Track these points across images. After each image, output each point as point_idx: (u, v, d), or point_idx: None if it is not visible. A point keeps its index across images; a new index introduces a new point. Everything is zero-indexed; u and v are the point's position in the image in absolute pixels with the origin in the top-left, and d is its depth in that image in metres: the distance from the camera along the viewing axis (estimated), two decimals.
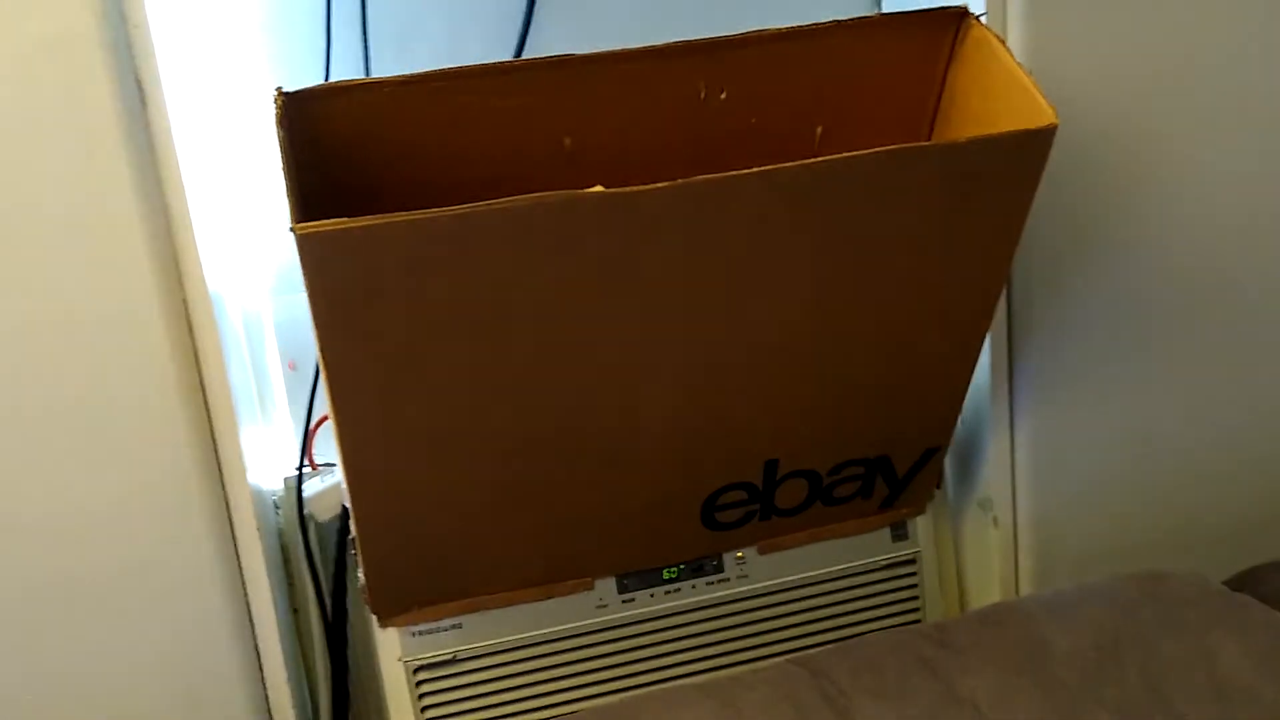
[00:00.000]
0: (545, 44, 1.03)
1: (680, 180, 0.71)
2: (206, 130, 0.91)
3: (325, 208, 0.83)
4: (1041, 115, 0.77)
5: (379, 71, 1.01)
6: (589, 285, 0.75)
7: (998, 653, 0.78)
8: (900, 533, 1.09)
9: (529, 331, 0.77)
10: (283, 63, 1.00)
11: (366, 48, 0.99)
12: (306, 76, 1.00)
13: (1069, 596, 0.85)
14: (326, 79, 0.99)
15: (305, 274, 0.68)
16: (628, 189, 0.70)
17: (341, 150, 0.81)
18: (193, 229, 0.83)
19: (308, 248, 0.67)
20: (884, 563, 1.08)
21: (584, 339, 0.79)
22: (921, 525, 1.09)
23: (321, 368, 0.75)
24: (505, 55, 1.03)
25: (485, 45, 1.03)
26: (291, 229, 0.66)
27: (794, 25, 0.84)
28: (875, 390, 0.94)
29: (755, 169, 0.72)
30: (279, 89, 0.75)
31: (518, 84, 0.82)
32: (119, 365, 0.83)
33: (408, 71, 1.00)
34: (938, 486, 1.08)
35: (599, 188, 0.69)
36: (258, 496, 0.96)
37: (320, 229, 0.66)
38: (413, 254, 0.69)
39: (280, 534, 1.05)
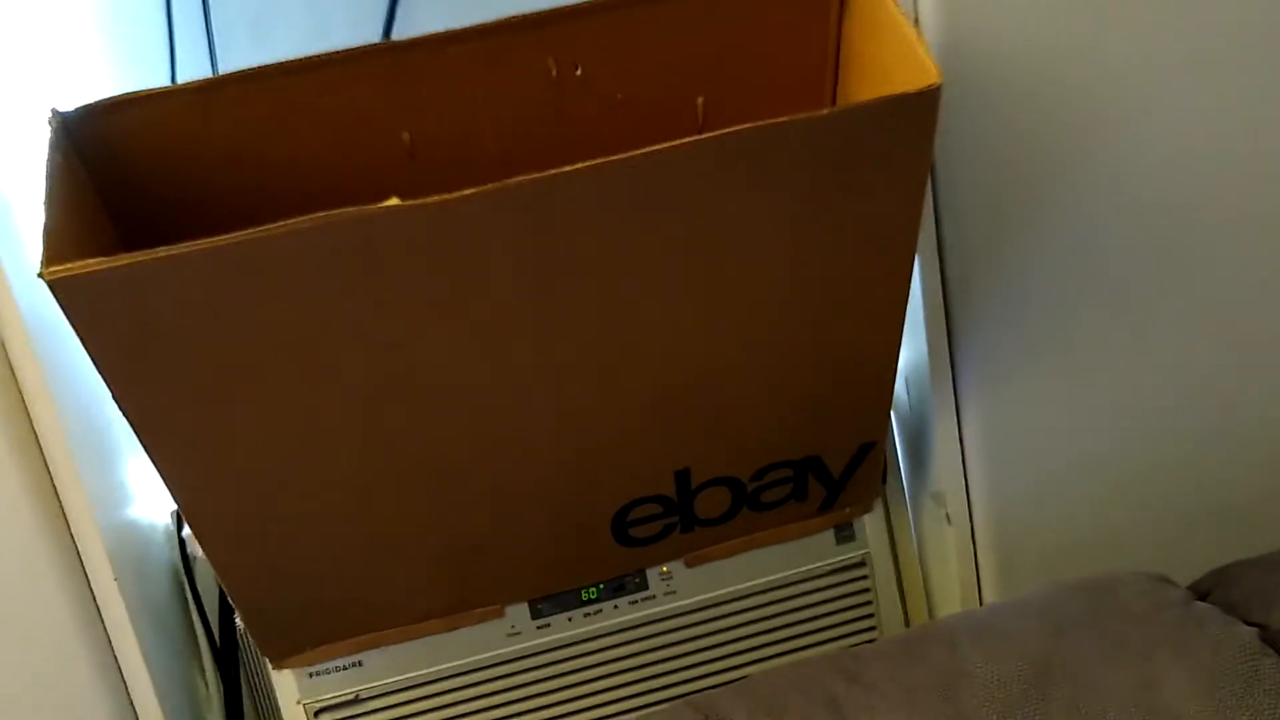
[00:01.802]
0: (417, 21, 0.95)
1: (497, 184, 0.63)
2: (22, 150, 0.84)
3: (144, 232, 0.76)
4: (924, 74, 0.68)
5: (231, 64, 0.93)
6: (413, 308, 0.68)
7: (912, 689, 0.70)
8: (845, 534, 1.01)
9: (353, 361, 0.70)
10: (123, 62, 0.93)
11: (211, 39, 0.92)
12: (152, 77, 0.93)
13: (1002, 614, 0.77)
14: (173, 80, 0.92)
15: (70, 322, 0.62)
16: (429, 200, 0.62)
17: (152, 165, 0.74)
18: (2, 270, 0.76)
19: (64, 294, 0.60)
20: (829, 568, 1.00)
21: (422, 367, 0.71)
22: (870, 524, 1.01)
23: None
24: (374, 38, 0.95)
25: (352, 28, 0.96)
26: (40, 274, 0.59)
27: None
28: (789, 388, 0.86)
29: (588, 163, 0.64)
30: (52, 110, 0.68)
31: (341, 77, 0.74)
32: None
33: (264, 63, 0.94)
34: (884, 481, 1.00)
35: (394, 200, 0.62)
36: (126, 538, 0.90)
37: (73, 271, 0.59)
38: (191, 290, 0.62)
39: (174, 571, 0.99)
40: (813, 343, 0.83)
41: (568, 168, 0.64)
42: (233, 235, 0.60)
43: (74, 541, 0.85)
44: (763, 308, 0.79)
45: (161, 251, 0.59)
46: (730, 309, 0.78)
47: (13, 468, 0.81)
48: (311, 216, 0.61)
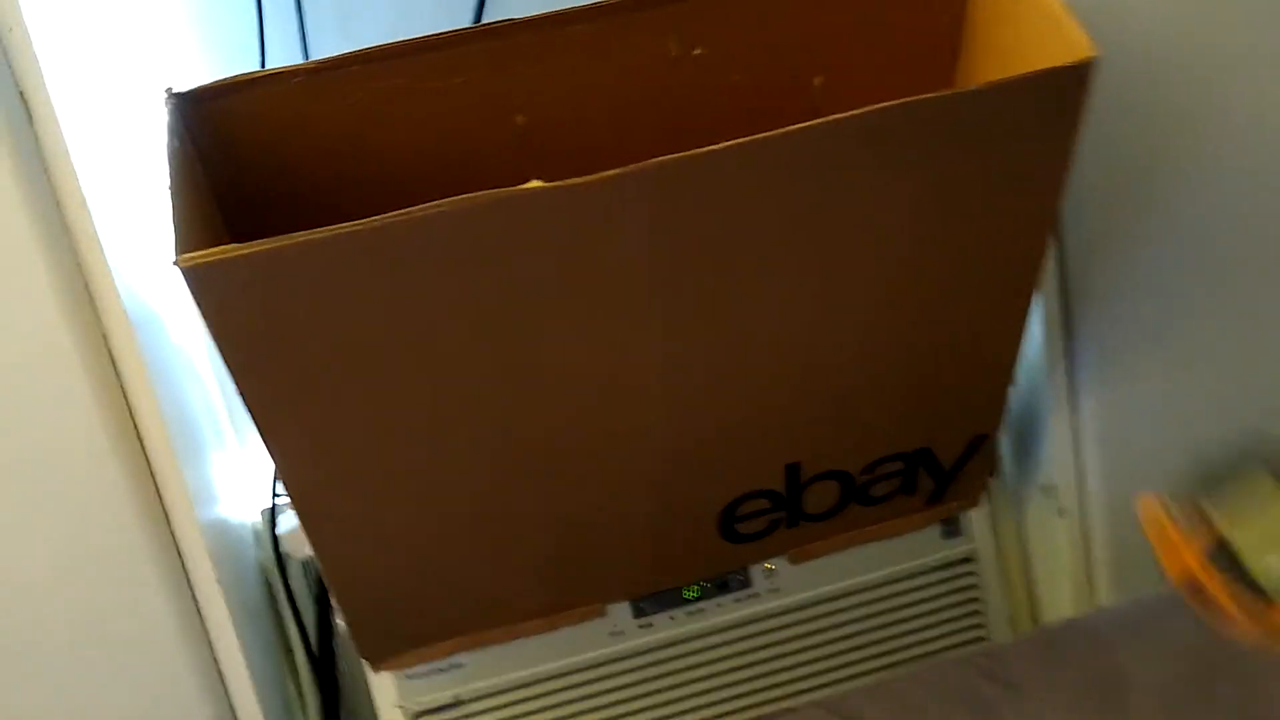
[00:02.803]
0: (507, 9, 0.94)
1: (635, 166, 0.61)
2: (120, 136, 0.83)
3: (247, 215, 0.75)
4: (1076, 48, 0.65)
5: (320, 53, 0.92)
6: (542, 293, 0.66)
7: (1065, 691, 0.68)
8: (952, 529, 0.99)
9: (478, 350, 0.68)
10: (213, 52, 0.92)
11: (303, 29, 0.90)
12: (241, 67, 0.91)
13: (1150, 611, 0.74)
14: (263, 68, 0.91)
15: (200, 311, 0.60)
16: (574, 181, 0.60)
17: (259, 149, 0.73)
18: (102, 250, 0.75)
19: (197, 282, 0.58)
20: (935, 564, 0.98)
21: (545, 353, 0.70)
22: (976, 519, 0.99)
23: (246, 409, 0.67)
24: (463, 23, 0.93)
25: (438, 17, 0.94)
26: (175, 262, 0.57)
27: None
28: (905, 379, 0.84)
29: (726, 144, 0.62)
30: (168, 90, 0.67)
31: (455, 60, 0.72)
32: (33, 410, 0.77)
33: (353, 46, 0.93)
34: (992, 475, 0.98)
35: (536, 182, 0.60)
36: (220, 536, 0.89)
37: (208, 259, 0.57)
38: (324, 277, 0.61)
39: (264, 571, 0.98)
40: (932, 331, 0.81)
41: (701, 150, 0.62)
42: (368, 221, 0.58)
43: (175, 539, 0.84)
44: (883, 294, 0.77)
45: (299, 237, 0.58)
46: (850, 295, 0.76)
47: (114, 461, 0.80)
48: (447, 200, 0.59)
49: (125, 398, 0.80)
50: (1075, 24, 0.67)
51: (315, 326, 0.63)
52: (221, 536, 0.91)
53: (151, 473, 0.82)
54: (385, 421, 0.70)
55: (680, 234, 0.67)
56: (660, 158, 0.61)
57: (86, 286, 0.76)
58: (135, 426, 0.80)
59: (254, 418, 0.67)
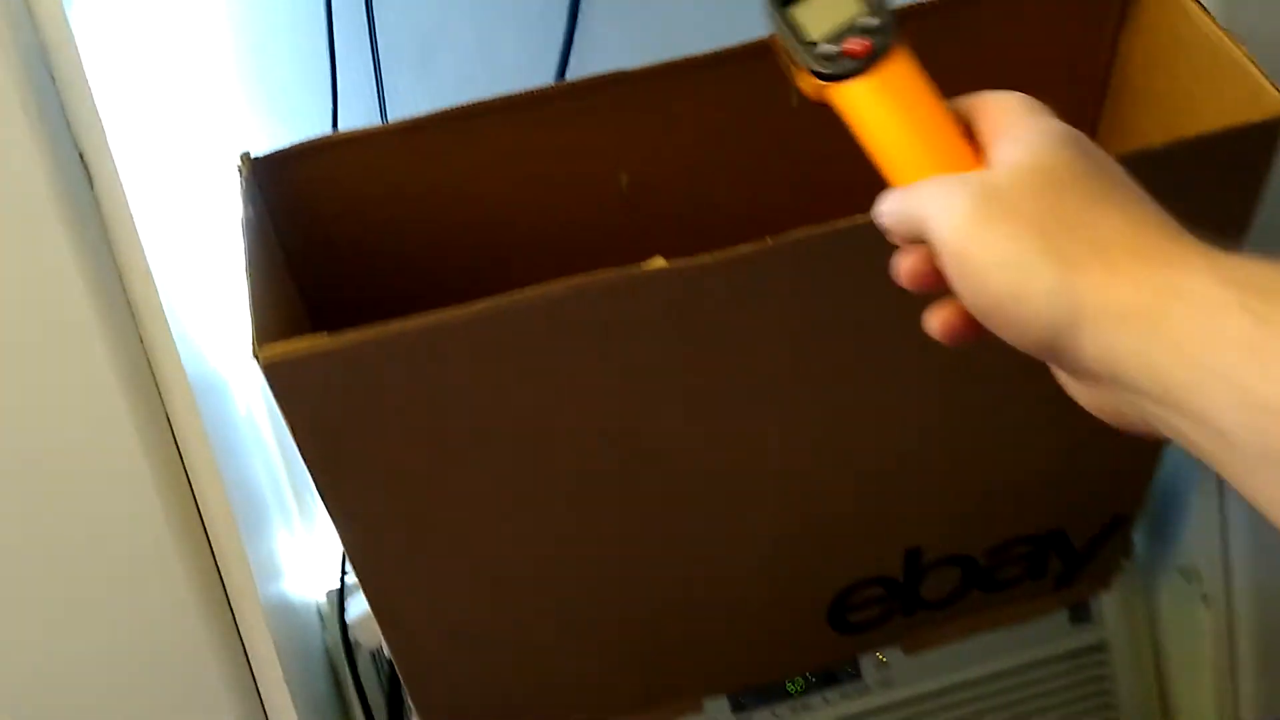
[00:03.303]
0: (596, 40, 0.88)
1: (771, 241, 0.54)
2: (185, 200, 0.77)
3: (326, 286, 0.69)
4: (1264, 101, 0.58)
5: (396, 89, 0.86)
6: (653, 376, 0.60)
7: None
8: (1081, 614, 0.91)
9: (580, 438, 0.62)
10: (280, 93, 0.86)
11: (378, 65, 0.85)
12: (312, 104, 0.86)
13: None
14: (335, 107, 0.85)
15: (279, 405, 0.54)
16: (699, 260, 0.54)
17: (339, 215, 0.67)
18: (166, 322, 0.69)
19: (277, 377, 0.52)
20: (1063, 652, 0.90)
21: (652, 438, 0.63)
22: (1108, 604, 0.91)
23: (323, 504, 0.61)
24: (548, 57, 0.87)
25: (523, 48, 0.88)
26: (254, 355, 0.51)
27: (908, 2, 0.67)
28: (1042, 459, 0.76)
29: (862, 218, 0.55)
30: (243, 155, 0.61)
31: (553, 116, 0.66)
32: (89, 485, 0.71)
33: (429, 86, 0.87)
34: (1126, 556, 0.90)
35: (660, 261, 0.54)
36: (285, 619, 0.83)
37: (290, 353, 0.51)
38: (413, 368, 0.54)
39: (330, 656, 0.92)
40: (1072, 406, 0.74)
41: (838, 224, 0.55)
42: (467, 307, 0.52)
43: (236, 622, 0.78)
44: (1021, 366, 0.69)
45: (388, 327, 0.52)
46: (988, 370, 0.68)
47: (173, 538, 0.74)
48: (559, 283, 0.53)
49: (186, 472, 0.74)
50: (1258, 73, 0.59)
51: (402, 419, 0.57)
52: (286, 619, 0.85)
53: (212, 550, 0.76)
54: (475, 515, 0.64)
55: (810, 312, 0.60)
56: (794, 233, 0.54)
57: (148, 360, 0.70)
58: (196, 501, 0.74)
59: (331, 513, 0.61)
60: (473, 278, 0.70)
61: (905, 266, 0.37)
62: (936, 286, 0.37)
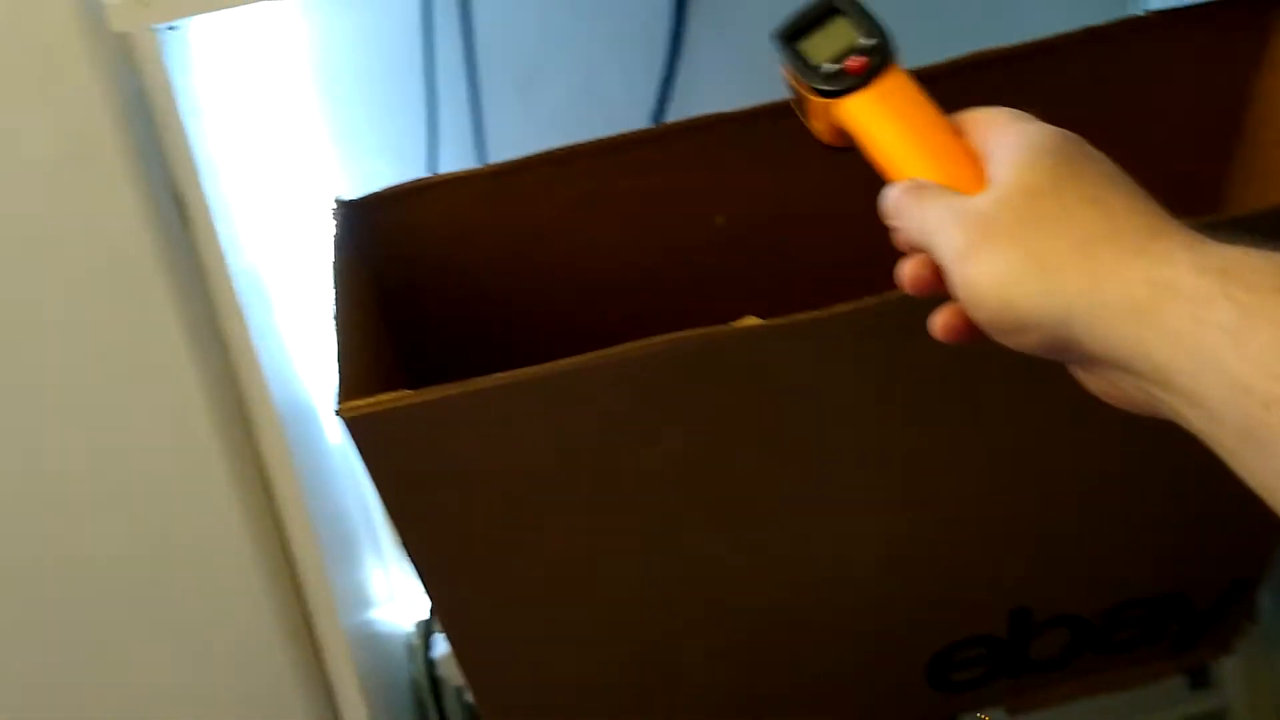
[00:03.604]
0: (698, 71, 0.86)
1: (872, 299, 0.52)
2: (279, 240, 0.78)
3: (420, 331, 0.69)
4: None
5: (496, 119, 0.86)
6: (746, 436, 0.58)
7: None
8: (1200, 679, 0.86)
9: (669, 497, 0.60)
10: (377, 124, 0.86)
11: (477, 97, 0.84)
12: (407, 135, 0.86)
13: None
14: (433, 140, 0.85)
15: (361, 458, 0.54)
16: (799, 318, 0.52)
17: (434, 259, 0.67)
18: (258, 360, 0.70)
19: (359, 431, 0.52)
20: (1180, 718, 0.86)
21: (744, 499, 0.61)
22: (1230, 669, 0.86)
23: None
24: (649, 88, 0.86)
25: (624, 80, 0.87)
26: (336, 411, 0.51)
27: (1036, 39, 0.64)
28: (1156, 517, 0.72)
29: None
30: (336, 200, 0.61)
31: (650, 158, 0.65)
32: (177, 523, 0.72)
33: (529, 118, 0.86)
34: (1251, 620, 0.85)
35: (752, 319, 0.52)
36: (369, 648, 0.83)
37: (371, 409, 0.51)
38: (499, 424, 0.53)
39: (416, 689, 0.92)
40: (1197, 463, 0.70)
41: None
42: (548, 366, 0.51)
43: (318, 651, 0.78)
44: (1130, 429, 0.66)
45: (474, 384, 0.51)
46: (1105, 427, 0.65)
47: (256, 569, 0.74)
48: (648, 341, 0.51)
49: (272, 501, 0.74)
50: None
51: (486, 474, 0.56)
52: (371, 650, 0.85)
53: (296, 579, 0.76)
54: (561, 572, 0.63)
55: (909, 370, 0.58)
56: (896, 293, 0.52)
57: (238, 392, 0.71)
58: (281, 531, 0.75)
59: (414, 565, 0.60)
60: (568, 317, 0.69)
61: (908, 272, 0.41)
62: (935, 290, 0.40)
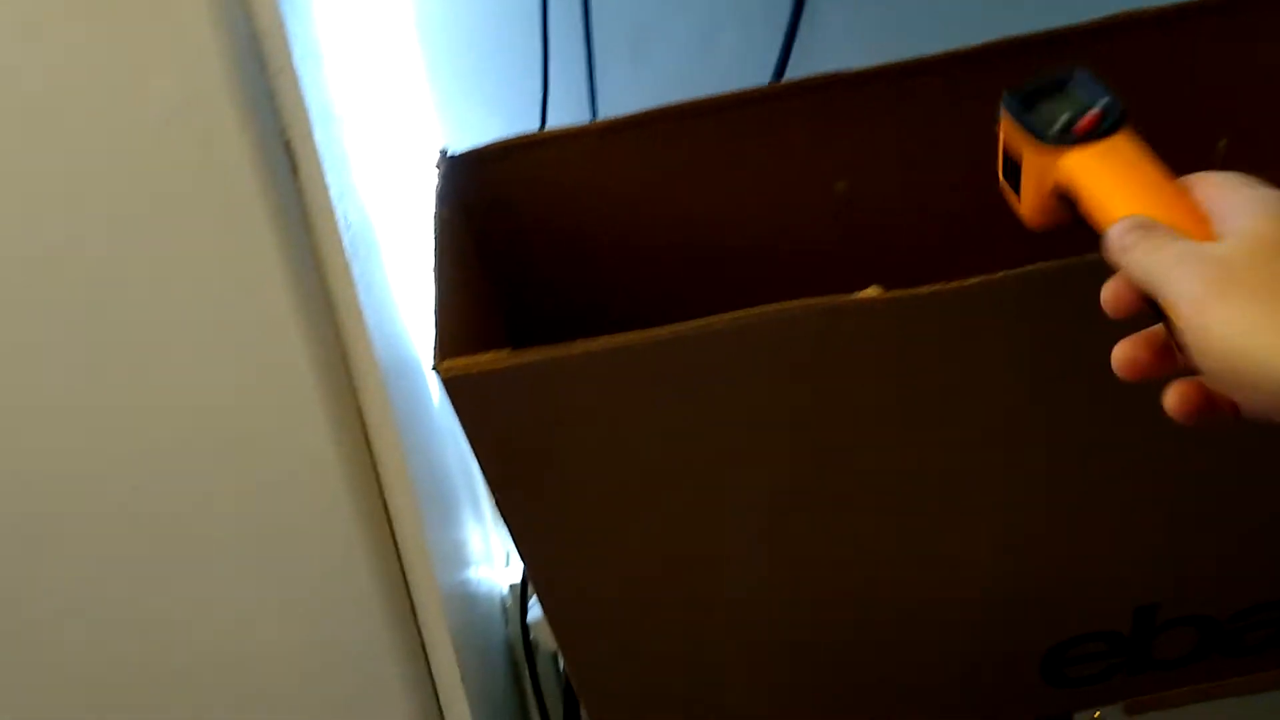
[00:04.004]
0: (821, 32, 0.83)
1: (1001, 275, 0.49)
2: (388, 192, 0.77)
3: (522, 289, 0.67)
4: None
5: (608, 82, 0.84)
6: (862, 414, 0.55)
7: None
8: None
9: (778, 473, 0.58)
10: (490, 78, 0.85)
11: (591, 58, 0.82)
12: (523, 96, 0.84)
13: None
14: (544, 97, 0.83)
15: (459, 418, 0.53)
16: (919, 291, 0.49)
17: (539, 217, 0.65)
18: (362, 315, 0.69)
19: (456, 391, 0.51)
20: None
21: (858, 479, 0.59)
22: None
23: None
24: (769, 50, 0.83)
25: (743, 41, 0.84)
26: (435, 368, 0.50)
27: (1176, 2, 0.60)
28: None
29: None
30: (441, 152, 0.60)
31: (768, 119, 0.62)
32: (278, 479, 0.72)
33: (643, 79, 0.84)
34: None
35: (875, 290, 0.49)
36: (464, 608, 0.83)
37: (470, 368, 0.49)
38: (602, 390, 0.52)
39: (511, 650, 0.92)
40: None
41: (1075, 260, 0.49)
42: (663, 330, 0.49)
43: (414, 611, 0.78)
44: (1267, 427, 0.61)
45: (579, 346, 0.49)
46: (1232, 424, 0.61)
47: (355, 526, 0.74)
48: (762, 310, 0.49)
49: (372, 458, 0.74)
50: None
51: (587, 441, 0.55)
52: (466, 611, 0.85)
53: (395, 538, 0.76)
54: (660, 547, 0.61)
55: (1037, 349, 0.55)
56: (1027, 268, 0.49)
57: (342, 347, 0.71)
58: (380, 488, 0.75)
59: (511, 532, 0.59)
60: (675, 283, 0.67)
61: (1124, 355, 0.42)
62: (1147, 373, 0.41)
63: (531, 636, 0.87)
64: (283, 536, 0.74)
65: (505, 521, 0.59)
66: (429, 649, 0.80)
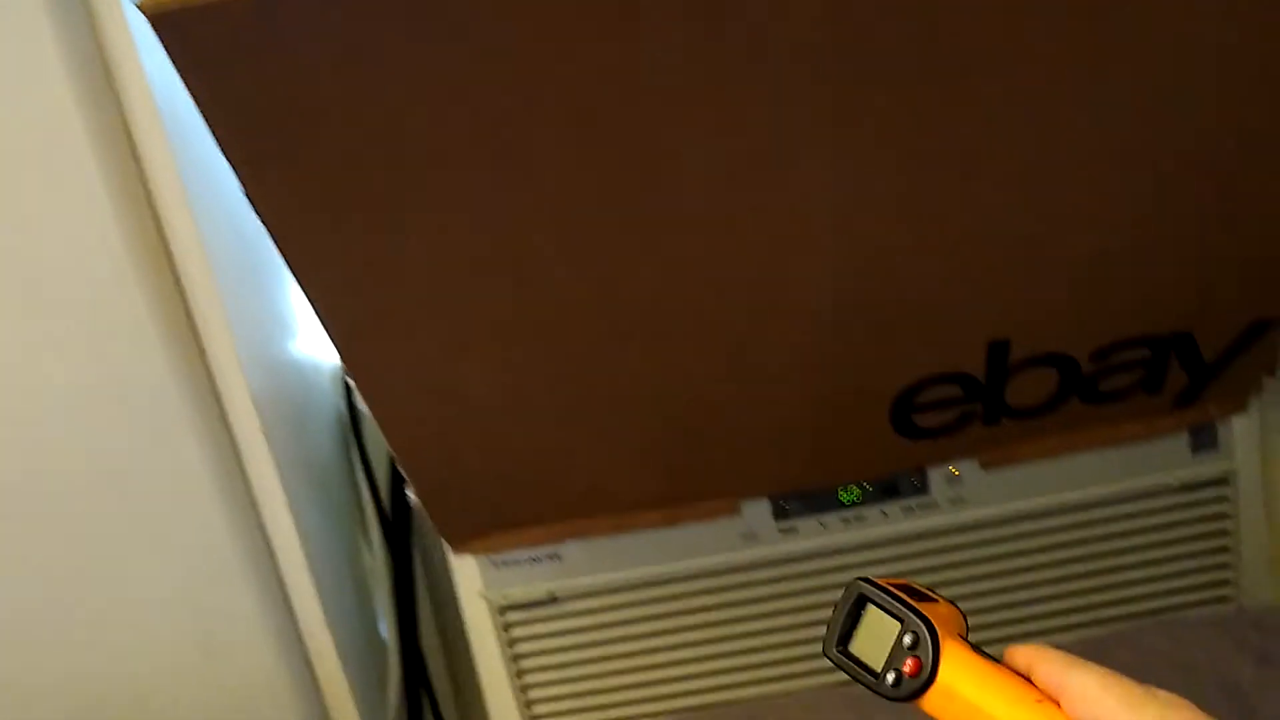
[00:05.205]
0: None
1: None
2: None
3: None
4: None
5: None
6: (673, 86, 0.49)
7: None
8: (1204, 440, 0.79)
9: (559, 163, 0.52)
10: None
11: None
12: None
13: None
14: None
15: (188, 88, 0.46)
16: None
17: None
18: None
19: (170, 37, 0.44)
20: (1178, 483, 0.79)
21: (671, 162, 0.53)
22: (1239, 430, 0.79)
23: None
24: None
25: None
26: (139, 5, 0.43)
27: None
28: (1173, 240, 0.64)
29: None
30: None
31: None
32: (52, 216, 0.65)
33: None
34: (1270, 374, 0.77)
35: None
36: (276, 380, 0.77)
37: (174, 4, 0.42)
38: (342, 36, 0.45)
39: (340, 422, 0.87)
40: (1226, 180, 0.61)
41: None
42: None
43: (211, 379, 0.72)
44: (1164, 119, 0.57)
45: None
46: (1115, 116, 0.56)
47: (138, 280, 0.67)
48: None
49: (155, 212, 0.67)
50: None
51: (334, 109, 0.48)
52: (281, 379, 0.79)
53: (183, 296, 0.69)
54: (439, 249, 0.55)
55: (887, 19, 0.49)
56: None
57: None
58: (164, 241, 0.68)
59: (275, 243, 0.53)
60: None
61: None
62: None
63: (356, 400, 0.81)
64: (61, 292, 0.67)
65: (261, 219, 0.52)
66: (230, 416, 0.74)
